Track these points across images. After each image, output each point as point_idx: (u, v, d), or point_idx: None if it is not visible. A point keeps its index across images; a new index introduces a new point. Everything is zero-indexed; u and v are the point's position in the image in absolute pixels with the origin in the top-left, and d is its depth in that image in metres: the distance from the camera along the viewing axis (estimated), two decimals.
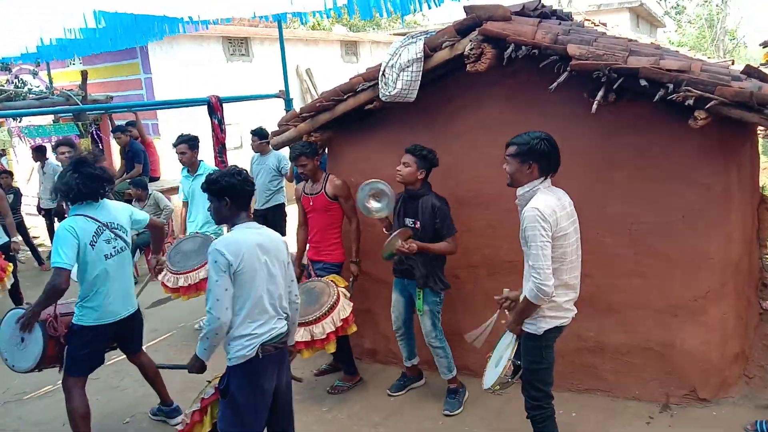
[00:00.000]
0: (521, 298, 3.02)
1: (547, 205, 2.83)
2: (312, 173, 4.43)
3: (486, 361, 3.37)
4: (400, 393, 4.42)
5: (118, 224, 3.75)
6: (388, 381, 4.56)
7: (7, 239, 6.81)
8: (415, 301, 4.09)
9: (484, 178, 4.10)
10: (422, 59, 3.80)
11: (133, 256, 7.37)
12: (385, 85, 3.90)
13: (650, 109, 3.51)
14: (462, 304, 4.42)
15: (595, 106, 3.35)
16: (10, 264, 6.46)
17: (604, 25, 7.95)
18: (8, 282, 6.29)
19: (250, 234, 2.97)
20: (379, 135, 4.52)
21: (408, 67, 3.78)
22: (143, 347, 5.54)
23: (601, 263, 3.86)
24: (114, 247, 3.71)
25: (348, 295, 4.23)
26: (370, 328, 4.90)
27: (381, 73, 3.93)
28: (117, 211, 3.83)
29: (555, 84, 3.43)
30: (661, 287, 3.81)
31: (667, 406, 3.85)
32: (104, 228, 3.65)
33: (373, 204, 4.13)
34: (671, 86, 3.19)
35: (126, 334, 3.94)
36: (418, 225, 3.95)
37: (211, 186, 2.99)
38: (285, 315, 3.09)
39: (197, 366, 3.06)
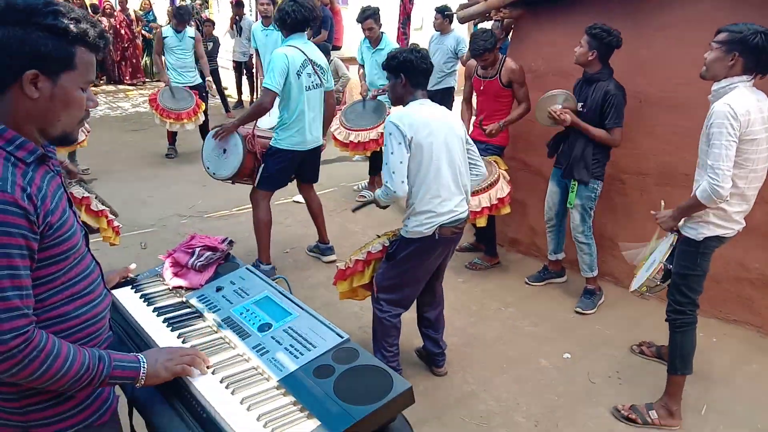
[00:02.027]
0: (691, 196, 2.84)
1: (741, 104, 2.57)
2: (493, 63, 4.34)
3: (638, 267, 3.31)
4: (538, 283, 4.50)
5: (319, 63, 4.15)
6: (526, 270, 4.65)
7: (202, 80, 7.63)
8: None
9: (681, 79, 3.78)
10: None
11: None
12: None
13: None
14: (624, 211, 4.29)
15: None
16: (203, 103, 7.27)
17: None
18: (200, 118, 7.13)
19: (424, 109, 2.91)
20: (571, 19, 4.30)
21: None
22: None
23: None
24: (313, 82, 4.12)
25: (508, 178, 4.26)
26: (518, 218, 4.94)
27: None
28: (320, 54, 4.23)
29: None
30: None
31: None
32: (308, 62, 4.05)
33: (554, 105, 3.98)
34: None
35: (308, 164, 4.43)
36: (585, 108, 3.82)
37: (389, 62, 2.96)
38: (466, 194, 3.05)
39: (380, 203, 3.09)
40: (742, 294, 3.84)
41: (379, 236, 3.27)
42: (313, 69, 4.09)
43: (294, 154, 4.22)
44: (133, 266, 2.09)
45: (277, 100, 4.05)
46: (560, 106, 3.81)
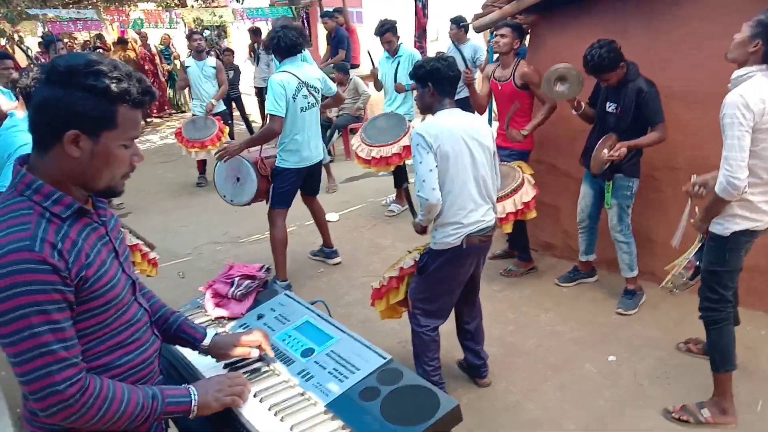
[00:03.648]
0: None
1: (755, 93, 2.51)
2: (506, 50, 4.32)
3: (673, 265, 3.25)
4: (568, 284, 4.46)
5: (313, 84, 4.37)
6: (561, 274, 4.59)
7: (225, 107, 7.79)
8: (604, 195, 4.00)
9: (703, 73, 3.73)
10: None
11: (332, 137, 8.01)
12: None
13: None
14: (658, 208, 4.23)
15: None
16: (227, 127, 7.43)
17: None
18: (223, 143, 7.28)
19: (451, 118, 2.87)
20: (586, 22, 4.28)
21: None
22: (337, 214, 6.19)
23: None
24: (309, 102, 4.34)
25: (533, 182, 4.23)
26: (550, 221, 4.90)
27: None
28: (313, 72, 4.48)
29: None
30: None
31: None
32: (303, 85, 4.27)
33: (559, 87, 3.96)
34: None
35: (311, 178, 4.67)
36: (619, 111, 3.77)
37: (416, 71, 2.95)
38: (492, 204, 3.03)
39: (418, 228, 3.13)
40: None
41: (409, 252, 3.28)
42: (308, 91, 4.32)
43: (297, 171, 4.45)
44: (255, 353, 1.80)
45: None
46: (607, 151, 3.76)
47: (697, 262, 2.96)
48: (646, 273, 4.27)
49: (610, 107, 3.82)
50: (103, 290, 1.37)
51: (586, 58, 3.64)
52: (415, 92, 5.77)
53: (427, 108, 3.01)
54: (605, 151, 3.74)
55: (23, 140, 2.75)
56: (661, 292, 4.15)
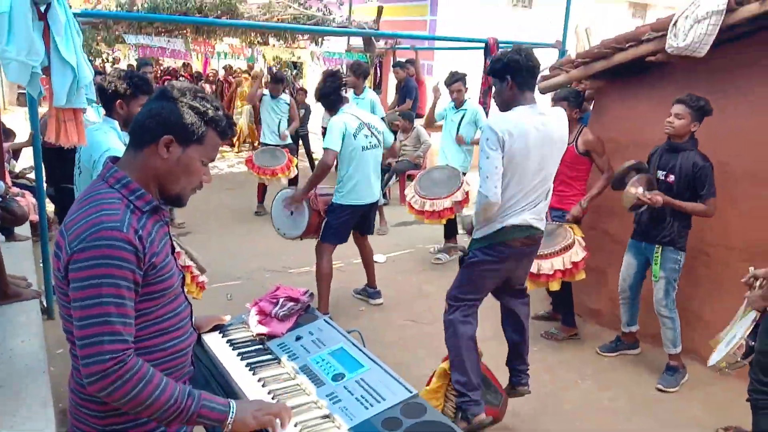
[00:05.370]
0: None
1: None
2: (569, 129, 4.38)
3: (717, 340, 3.16)
4: (609, 354, 4.37)
5: (374, 126, 4.61)
6: (604, 343, 4.50)
7: (293, 142, 8.14)
8: (651, 266, 3.94)
9: None
10: (724, 12, 3.51)
11: (389, 181, 8.19)
12: (675, 36, 3.70)
13: None
14: (708, 285, 4.13)
15: None
16: (294, 158, 7.74)
17: None
18: (292, 173, 7.61)
19: (529, 116, 2.81)
20: (653, 93, 4.32)
21: (705, 19, 3.53)
22: (384, 256, 6.27)
23: None
24: (370, 142, 4.55)
25: (584, 244, 4.21)
26: (598, 288, 4.83)
27: (673, 23, 3.73)
28: (376, 121, 4.73)
29: None
30: None
31: None
32: (364, 125, 4.50)
33: (638, 189, 3.88)
34: None
35: (365, 218, 4.82)
36: (671, 179, 3.76)
37: (494, 65, 2.91)
38: (541, 216, 3.04)
39: (469, 227, 3.18)
40: None
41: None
42: (369, 131, 4.53)
43: (354, 208, 4.60)
44: (227, 318, 2.28)
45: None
46: (642, 190, 3.77)
47: (752, 343, 2.87)
48: (690, 350, 4.14)
49: (661, 174, 3.83)
50: (163, 278, 1.56)
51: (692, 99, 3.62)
52: (474, 146, 5.93)
53: (506, 105, 2.93)
54: (640, 189, 3.74)
55: (107, 144, 2.96)
56: (706, 371, 4.01)
